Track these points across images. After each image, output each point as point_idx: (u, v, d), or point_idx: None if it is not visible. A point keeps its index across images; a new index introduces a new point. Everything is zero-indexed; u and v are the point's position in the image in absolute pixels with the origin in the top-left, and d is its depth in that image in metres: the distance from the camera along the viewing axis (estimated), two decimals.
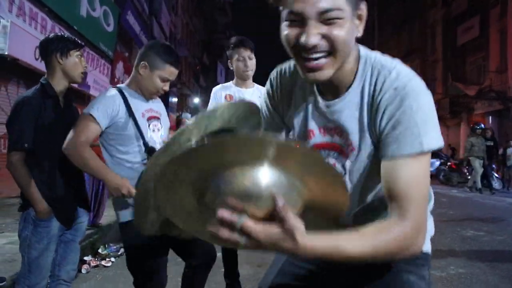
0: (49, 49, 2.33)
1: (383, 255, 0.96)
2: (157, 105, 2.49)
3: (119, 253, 4.85)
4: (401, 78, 1.04)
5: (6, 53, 6.83)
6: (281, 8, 1.02)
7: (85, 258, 4.38)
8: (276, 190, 0.81)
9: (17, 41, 7.09)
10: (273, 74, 1.29)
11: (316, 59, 1.01)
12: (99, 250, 4.78)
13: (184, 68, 28.02)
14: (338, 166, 1.16)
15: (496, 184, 13.09)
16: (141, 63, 2.30)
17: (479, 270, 4.25)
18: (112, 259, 4.66)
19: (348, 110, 1.10)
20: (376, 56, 1.11)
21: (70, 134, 2.12)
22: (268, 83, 1.30)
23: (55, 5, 8.95)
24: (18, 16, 7.44)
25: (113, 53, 13.06)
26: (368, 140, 1.09)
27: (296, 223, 0.84)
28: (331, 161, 1.17)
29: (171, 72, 2.31)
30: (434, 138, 1.01)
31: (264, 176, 0.80)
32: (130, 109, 2.25)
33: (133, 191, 2.06)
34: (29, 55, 7.64)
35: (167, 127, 2.51)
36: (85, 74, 2.45)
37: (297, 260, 1.34)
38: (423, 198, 1.01)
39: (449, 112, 25.08)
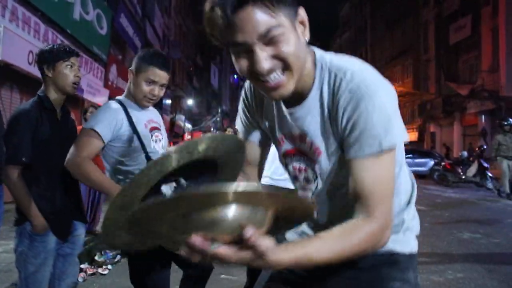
0: (40, 61, 2.30)
1: (351, 254, 1.00)
2: (156, 116, 2.46)
3: (115, 260, 4.82)
4: (355, 78, 1.04)
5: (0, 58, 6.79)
6: (225, 43, 1.02)
7: (82, 266, 4.34)
8: (243, 219, 0.83)
9: (10, 46, 7.05)
10: (246, 84, 1.29)
11: (274, 78, 1.02)
12: (96, 257, 4.74)
13: (178, 70, 27.97)
14: (309, 171, 1.19)
15: (490, 184, 13.14)
16: (129, 70, 2.29)
17: (477, 274, 4.26)
18: (109, 266, 4.62)
19: (309, 115, 1.12)
20: (332, 59, 1.11)
21: (72, 149, 2.10)
22: (242, 93, 1.32)
23: (48, 9, 8.91)
24: (11, 21, 7.40)
25: (107, 56, 13.02)
26: (332, 142, 1.11)
27: (266, 245, 0.84)
28: (302, 166, 1.20)
29: (154, 73, 2.22)
30: (394, 135, 1.02)
31: (230, 210, 0.83)
32: (132, 122, 2.22)
33: None
34: (22, 60, 7.60)
35: (166, 137, 2.50)
36: (77, 82, 2.35)
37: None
38: (388, 196, 1.04)
39: (442, 111, 25.25)
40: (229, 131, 3.33)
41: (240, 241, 0.84)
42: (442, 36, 25.92)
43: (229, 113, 48.33)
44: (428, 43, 28.61)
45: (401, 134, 1.05)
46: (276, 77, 1.01)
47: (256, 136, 1.34)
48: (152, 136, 2.31)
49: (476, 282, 4.01)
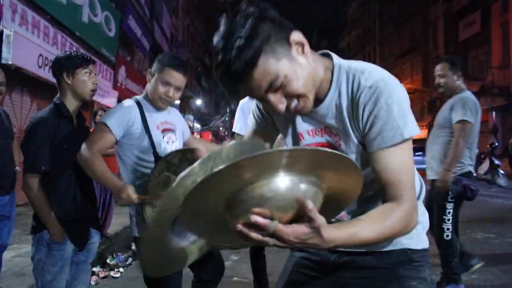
0: (58, 69, 2.30)
1: (390, 235, 1.10)
2: (174, 117, 2.49)
3: (127, 263, 4.84)
4: (373, 76, 1.13)
5: (10, 62, 6.84)
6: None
7: (94, 269, 4.35)
8: (299, 193, 0.87)
9: (20, 50, 7.09)
10: None
11: (293, 106, 1.12)
12: (108, 260, 4.76)
13: (186, 70, 28.00)
14: None
15: (502, 181, 13.00)
16: (148, 71, 2.36)
17: (492, 275, 4.20)
18: (121, 269, 4.63)
19: (330, 113, 1.21)
20: (349, 62, 1.21)
21: (84, 144, 2.16)
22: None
23: (57, 12, 8.94)
24: (21, 25, 7.43)
25: (115, 58, 13.06)
26: (352, 137, 1.19)
27: (322, 220, 0.92)
28: None
29: (170, 74, 2.26)
30: (412, 127, 1.12)
31: (284, 183, 0.86)
32: (145, 121, 2.27)
33: (133, 197, 2.04)
34: (32, 64, 7.64)
35: (185, 138, 2.56)
36: (95, 89, 2.40)
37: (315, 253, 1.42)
38: (412, 179, 1.14)
39: None
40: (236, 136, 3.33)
41: (295, 220, 0.90)
42: (451, 32, 25.72)
43: None
44: (437, 40, 28.39)
45: (417, 128, 1.13)
46: (294, 105, 1.12)
47: (266, 128, 1.42)
48: (163, 137, 2.35)
49: (491, 283, 3.97)
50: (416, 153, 13.41)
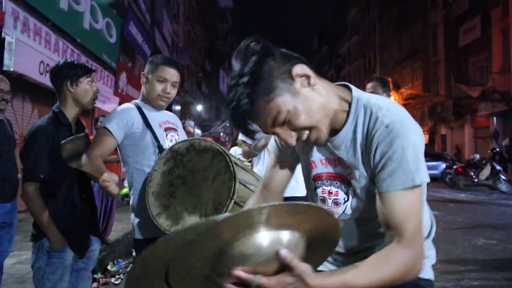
0: (59, 77, 2.31)
1: (387, 283, 1.04)
2: (174, 120, 2.55)
3: (128, 269, 4.82)
4: (391, 115, 1.12)
5: (11, 69, 6.87)
6: None
7: (95, 276, 4.34)
8: (278, 245, 0.89)
9: (22, 57, 7.12)
10: None
11: (305, 137, 1.15)
12: (108, 267, 4.75)
13: (187, 76, 28.07)
14: (341, 193, 1.26)
15: (504, 187, 12.98)
16: (142, 74, 2.41)
17: (493, 282, 4.19)
18: (122, 276, 4.62)
19: (344, 145, 1.20)
20: (368, 96, 1.20)
21: (87, 151, 2.17)
22: None
23: (58, 19, 8.98)
24: (22, 32, 7.47)
25: (116, 64, 13.09)
26: (362, 172, 1.18)
27: (304, 268, 0.91)
28: (333, 189, 1.28)
29: (165, 71, 2.34)
30: (424, 173, 1.09)
31: (263, 238, 0.88)
32: (146, 119, 2.31)
33: (112, 174, 1.98)
34: (34, 70, 7.67)
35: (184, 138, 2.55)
36: (96, 98, 2.40)
37: None
38: (418, 226, 1.10)
39: (453, 113, 25.02)
40: (240, 142, 3.37)
41: (280, 271, 0.90)
42: (451, 37, 25.73)
43: None
44: (437, 45, 28.41)
45: (426, 174, 1.11)
46: (305, 136, 1.14)
47: (289, 155, 1.41)
48: (167, 135, 2.39)
49: None
50: None
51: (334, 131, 1.21)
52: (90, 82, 2.33)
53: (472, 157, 16.90)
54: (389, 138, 1.09)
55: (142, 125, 2.30)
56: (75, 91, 2.30)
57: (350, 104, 1.19)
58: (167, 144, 2.35)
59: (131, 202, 2.39)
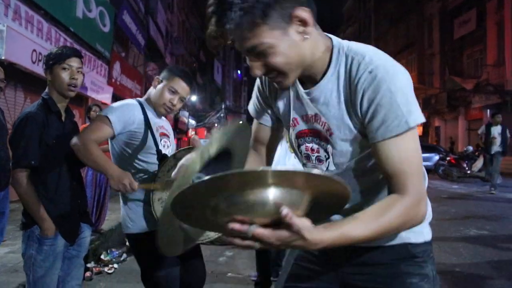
0: (44, 65, 2.31)
1: (390, 230, 1.04)
2: (167, 125, 2.57)
3: (121, 259, 4.83)
4: (374, 61, 1.07)
5: (3, 57, 6.78)
6: None
7: (88, 265, 4.35)
8: (279, 200, 0.88)
9: (13, 45, 7.03)
10: None
11: (271, 78, 1.12)
12: (102, 256, 4.75)
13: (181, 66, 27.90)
14: (321, 151, 1.23)
15: (499, 180, 13.05)
16: (156, 78, 2.44)
17: (484, 272, 4.23)
18: (115, 265, 4.63)
19: (324, 96, 1.15)
20: (349, 44, 1.15)
21: (81, 132, 2.18)
22: (257, 79, 1.37)
23: (51, 7, 8.88)
24: (14, 20, 7.38)
25: (110, 54, 12.99)
26: (347, 123, 1.13)
27: (302, 223, 0.90)
28: (314, 146, 1.24)
29: (179, 84, 2.37)
30: (417, 114, 1.06)
31: (267, 192, 0.88)
32: (147, 119, 2.33)
33: (135, 184, 2.07)
34: (26, 59, 7.59)
35: (174, 145, 2.60)
36: (73, 85, 2.29)
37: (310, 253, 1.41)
38: (418, 170, 1.07)
39: (447, 106, 25.09)
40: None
41: (278, 223, 0.89)
42: (446, 30, 25.73)
43: (233, 109, 48.32)
44: (433, 37, 28.41)
45: (422, 115, 1.08)
46: (273, 77, 1.11)
47: (267, 120, 1.39)
48: (161, 141, 2.40)
49: (483, 280, 3.99)
50: None
51: (314, 82, 1.17)
52: (64, 69, 2.26)
53: (465, 149, 17.00)
54: (374, 83, 1.05)
55: (143, 125, 2.31)
56: (51, 79, 2.28)
57: (331, 54, 1.14)
58: (160, 148, 2.36)
59: (122, 195, 2.39)
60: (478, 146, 15.44)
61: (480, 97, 21.54)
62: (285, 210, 0.86)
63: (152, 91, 2.43)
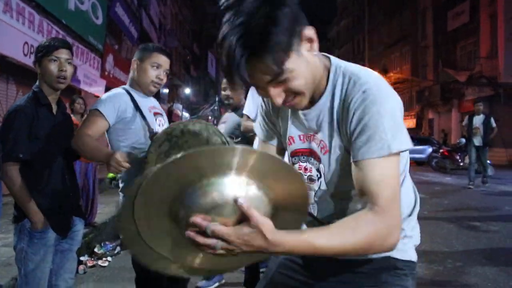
0: (34, 58, 2.30)
1: (356, 248, 0.99)
2: (157, 104, 2.59)
3: (115, 252, 4.83)
4: (369, 82, 1.08)
5: None
6: None
7: (82, 258, 4.34)
8: (238, 195, 0.88)
9: (4, 38, 6.98)
10: None
11: (288, 102, 1.10)
12: (95, 250, 4.75)
13: (175, 59, 27.81)
14: (314, 170, 1.23)
15: (488, 170, 13.13)
16: (132, 61, 2.44)
17: (476, 263, 4.27)
18: (109, 258, 4.63)
19: (321, 115, 1.17)
20: (346, 65, 1.16)
21: (78, 129, 2.20)
22: (261, 97, 1.35)
23: None
24: (5, 12, 7.30)
25: (103, 46, 12.91)
26: (338, 142, 1.15)
27: (263, 220, 0.89)
28: (308, 166, 1.25)
29: (159, 57, 2.39)
30: (401, 140, 1.05)
31: (228, 186, 0.87)
32: (136, 104, 2.34)
33: (123, 162, 2.00)
34: (17, 52, 7.53)
35: (168, 123, 2.58)
36: (62, 77, 2.27)
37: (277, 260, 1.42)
38: (395, 195, 1.04)
39: (440, 98, 25.17)
40: (245, 119, 3.44)
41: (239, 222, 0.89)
42: (440, 22, 25.76)
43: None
44: (426, 29, 28.43)
45: (407, 142, 1.07)
46: (290, 100, 1.10)
47: (274, 141, 1.40)
48: (156, 120, 2.42)
49: (475, 271, 4.02)
50: None
51: (312, 101, 1.16)
52: (51, 61, 2.24)
53: (458, 141, 17.06)
54: (365, 103, 1.05)
55: (133, 110, 2.31)
56: (41, 71, 2.27)
57: (329, 73, 1.16)
58: (156, 128, 2.37)
59: (120, 184, 2.38)
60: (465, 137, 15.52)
61: (473, 89, 21.62)
62: (242, 200, 0.87)
63: (134, 74, 2.43)
